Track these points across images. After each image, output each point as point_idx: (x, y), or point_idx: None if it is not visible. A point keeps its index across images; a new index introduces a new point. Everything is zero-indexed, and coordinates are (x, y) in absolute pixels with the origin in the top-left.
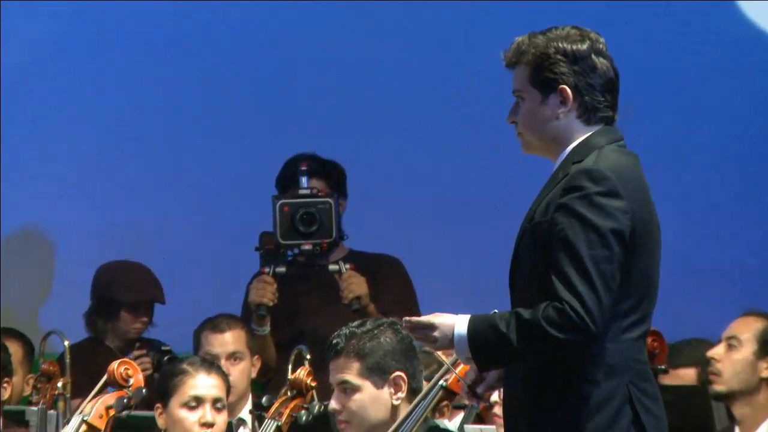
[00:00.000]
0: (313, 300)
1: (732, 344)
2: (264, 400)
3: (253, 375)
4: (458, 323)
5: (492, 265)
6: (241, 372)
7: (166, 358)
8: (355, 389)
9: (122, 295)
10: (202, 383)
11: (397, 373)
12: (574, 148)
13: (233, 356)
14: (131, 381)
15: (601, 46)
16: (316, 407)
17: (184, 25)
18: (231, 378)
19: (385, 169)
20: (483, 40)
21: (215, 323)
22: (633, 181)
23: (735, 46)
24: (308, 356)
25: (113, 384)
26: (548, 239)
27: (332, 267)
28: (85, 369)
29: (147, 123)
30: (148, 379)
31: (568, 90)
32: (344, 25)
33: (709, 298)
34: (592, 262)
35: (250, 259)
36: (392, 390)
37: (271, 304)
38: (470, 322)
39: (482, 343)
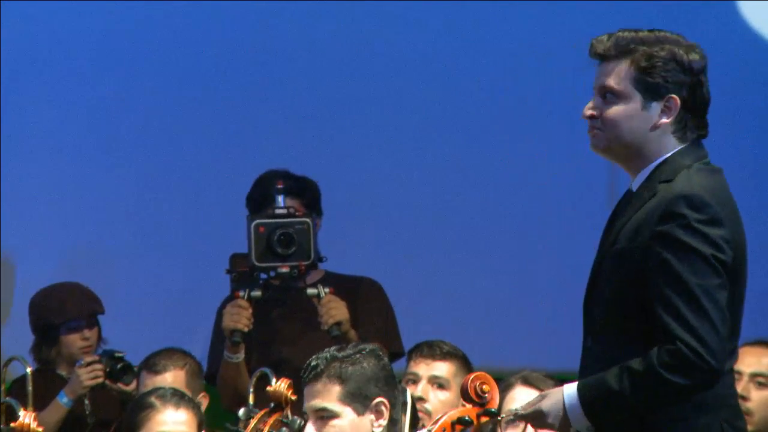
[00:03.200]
0: (289, 326)
1: (761, 382)
2: (242, 412)
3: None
4: (567, 394)
5: (476, 288)
6: None
7: (119, 365)
8: (334, 416)
9: (56, 317)
10: (170, 419)
11: (380, 399)
12: (659, 165)
13: None
14: None
15: (706, 63)
16: (297, 423)
17: (147, 39)
18: None
19: (358, 185)
20: (468, 51)
21: (152, 363)
22: (727, 204)
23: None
24: (273, 380)
25: None
26: (640, 268)
27: (311, 291)
28: (36, 400)
29: (109, 142)
30: (99, 387)
31: (678, 101)
32: (314, 37)
33: None
34: (703, 293)
35: (218, 282)
36: (374, 417)
37: (246, 329)
38: (579, 389)
39: (599, 408)
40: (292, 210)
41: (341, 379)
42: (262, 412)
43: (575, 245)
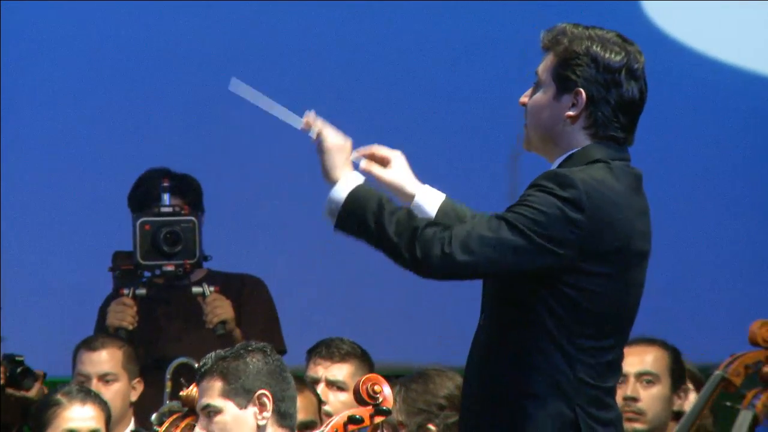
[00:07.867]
0: (174, 324)
1: (648, 380)
2: (154, 417)
3: (134, 398)
4: (355, 174)
5: (357, 282)
6: (115, 394)
7: (19, 370)
8: (217, 411)
9: None
10: (77, 415)
11: (261, 391)
12: (571, 155)
13: (105, 377)
14: None
15: (637, 65)
16: None
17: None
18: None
19: (234, 182)
20: (339, 41)
21: (90, 341)
22: (616, 205)
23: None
24: (196, 365)
25: None
26: None
27: (195, 289)
28: None
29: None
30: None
31: (584, 95)
32: (182, 31)
33: None
34: (506, 226)
35: (99, 280)
36: (257, 410)
37: (131, 327)
38: (365, 183)
39: (361, 204)
40: (177, 208)
41: (223, 375)
42: (174, 416)
43: None
